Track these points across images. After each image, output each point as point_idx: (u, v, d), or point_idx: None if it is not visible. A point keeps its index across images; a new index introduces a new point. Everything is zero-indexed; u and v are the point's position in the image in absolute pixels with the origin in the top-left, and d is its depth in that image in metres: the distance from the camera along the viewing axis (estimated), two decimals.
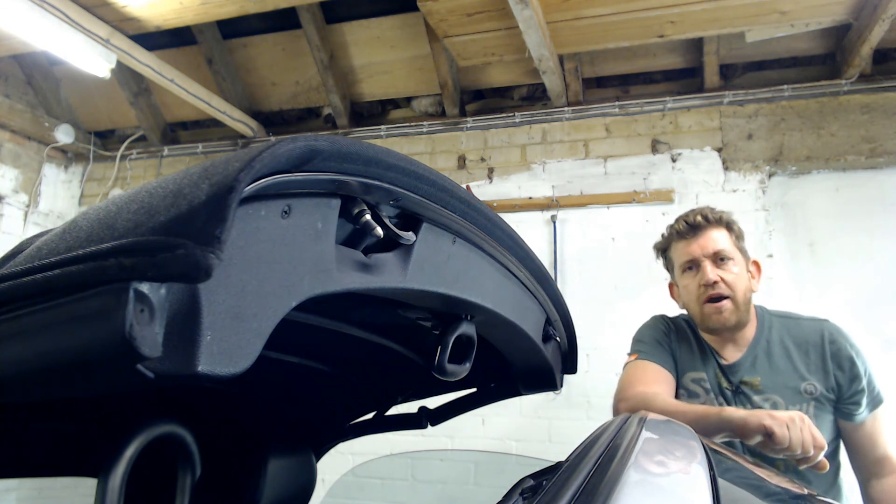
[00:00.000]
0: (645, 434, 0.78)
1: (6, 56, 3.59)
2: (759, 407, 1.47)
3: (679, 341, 1.64)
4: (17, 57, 3.87)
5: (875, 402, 1.49)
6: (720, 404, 1.50)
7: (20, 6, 2.66)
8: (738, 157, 3.22)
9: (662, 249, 1.68)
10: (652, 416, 1.01)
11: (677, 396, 1.55)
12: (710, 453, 0.74)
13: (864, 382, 1.48)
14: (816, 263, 3.05)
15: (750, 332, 1.56)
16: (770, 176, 3.18)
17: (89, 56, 3.00)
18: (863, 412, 1.47)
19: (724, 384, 1.53)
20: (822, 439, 1.14)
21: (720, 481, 0.62)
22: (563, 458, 0.81)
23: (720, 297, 1.50)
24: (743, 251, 1.58)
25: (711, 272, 1.51)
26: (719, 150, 3.26)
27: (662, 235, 1.68)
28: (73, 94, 4.25)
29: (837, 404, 1.48)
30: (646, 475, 0.62)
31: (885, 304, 2.89)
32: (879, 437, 1.49)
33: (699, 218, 1.56)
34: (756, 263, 1.63)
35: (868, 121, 3.08)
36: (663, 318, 1.73)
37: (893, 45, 3.10)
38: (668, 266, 1.68)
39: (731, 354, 1.56)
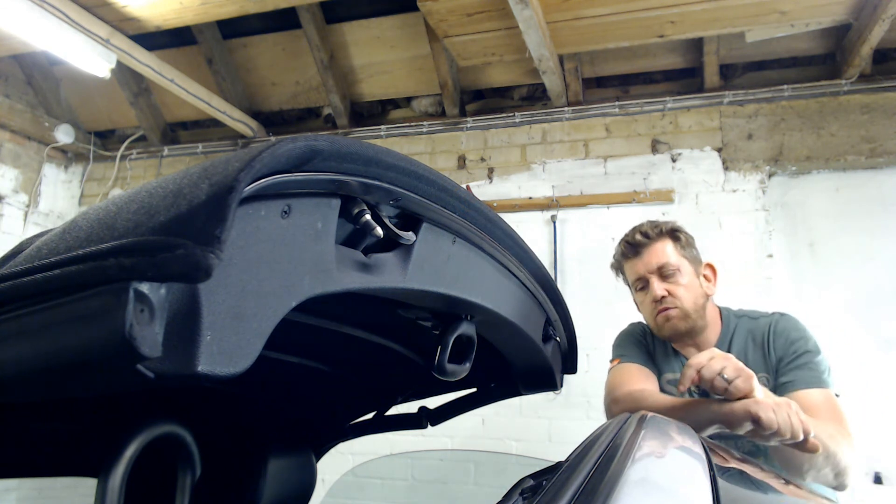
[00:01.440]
0: (645, 434, 0.78)
1: (6, 56, 3.59)
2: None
3: (654, 345, 1.67)
4: (17, 57, 3.87)
5: (817, 383, 1.39)
6: None
7: (20, 6, 2.66)
8: (738, 157, 3.22)
9: (618, 269, 1.71)
10: (651, 415, 1.01)
11: None
12: (709, 453, 0.74)
13: (804, 355, 1.43)
14: (816, 263, 3.05)
15: (713, 335, 1.58)
16: (770, 176, 3.18)
17: (89, 56, 3.00)
18: (803, 381, 1.40)
19: (692, 387, 1.53)
20: (808, 423, 1.13)
21: (720, 481, 0.63)
22: (563, 458, 0.81)
23: (666, 309, 1.53)
24: (691, 258, 1.60)
25: (658, 287, 1.54)
26: (719, 150, 3.25)
27: (614, 257, 1.71)
28: (73, 94, 4.25)
29: (778, 375, 1.45)
30: (646, 475, 0.62)
31: (885, 304, 2.89)
32: (826, 408, 1.34)
33: (639, 236, 1.59)
34: (710, 266, 1.64)
35: (868, 121, 3.08)
36: (639, 323, 1.77)
37: (893, 45, 3.10)
38: (627, 284, 1.71)
39: None
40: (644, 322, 1.77)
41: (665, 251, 1.56)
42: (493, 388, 1.22)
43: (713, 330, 1.59)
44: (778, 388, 1.42)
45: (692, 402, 1.31)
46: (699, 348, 1.58)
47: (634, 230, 1.62)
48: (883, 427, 2.73)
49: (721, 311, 1.64)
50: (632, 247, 1.60)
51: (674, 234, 1.60)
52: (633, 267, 1.61)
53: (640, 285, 1.60)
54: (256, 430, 1.20)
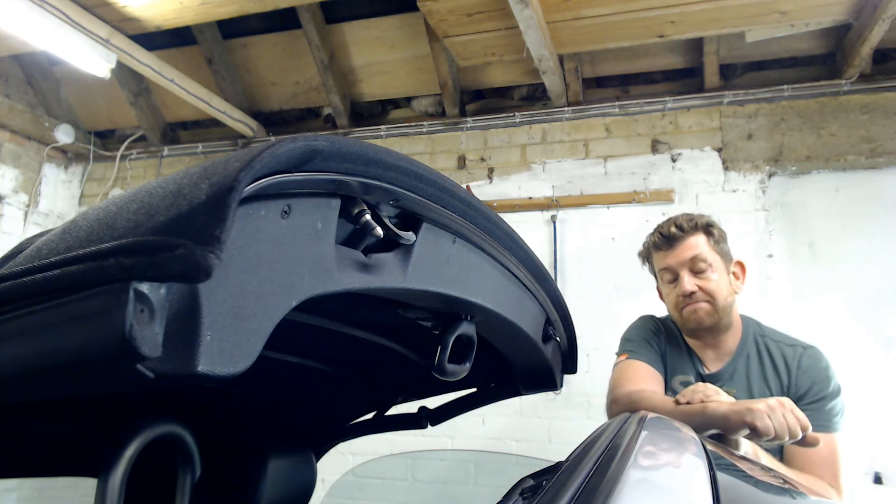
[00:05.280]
0: (645, 434, 0.78)
1: (6, 56, 3.59)
2: None
3: (668, 343, 1.65)
4: (17, 57, 3.87)
5: (825, 427, 1.42)
6: None
7: (20, 6, 2.66)
8: (738, 157, 3.22)
9: (645, 257, 1.70)
10: (652, 415, 1.01)
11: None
12: (709, 453, 0.74)
13: (822, 400, 1.46)
14: (816, 263, 3.04)
15: (732, 341, 1.58)
16: (770, 176, 3.17)
17: (89, 56, 3.00)
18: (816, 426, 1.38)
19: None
20: (806, 419, 1.14)
21: (720, 480, 0.62)
22: (563, 458, 0.81)
23: (697, 301, 1.52)
24: (723, 254, 1.58)
25: (689, 283, 1.52)
26: (719, 150, 3.25)
27: (644, 245, 1.70)
28: (73, 94, 4.25)
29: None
30: (646, 475, 0.62)
31: (885, 305, 2.88)
32: (826, 452, 1.39)
33: (673, 229, 1.57)
34: (740, 264, 1.64)
35: (868, 121, 3.08)
36: (652, 318, 1.74)
37: (893, 45, 3.10)
38: (653, 272, 1.70)
39: (712, 364, 1.58)
40: (656, 317, 1.75)
41: (698, 245, 1.55)
42: (493, 388, 1.22)
43: (733, 335, 1.58)
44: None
45: (689, 408, 1.30)
46: (718, 353, 1.58)
47: (669, 222, 1.61)
48: (883, 427, 2.73)
49: (742, 319, 1.62)
50: (665, 239, 1.58)
51: (708, 228, 1.58)
52: (663, 259, 1.59)
53: (669, 277, 1.59)
54: (256, 430, 1.20)
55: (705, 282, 1.53)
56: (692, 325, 1.54)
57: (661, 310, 1.97)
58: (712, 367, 1.58)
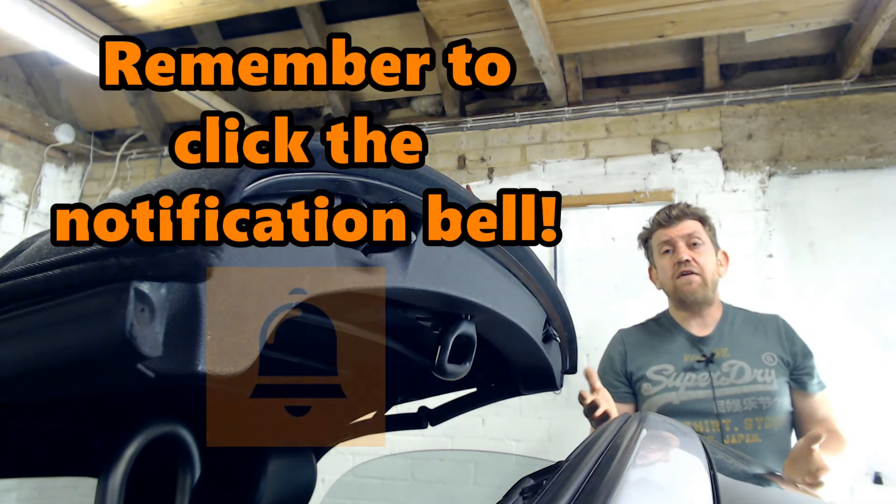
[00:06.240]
0: (645, 434, 0.78)
1: (6, 56, 3.58)
2: (727, 373, 1.70)
3: (639, 346, 1.86)
4: (17, 57, 3.87)
5: (821, 386, 1.73)
6: (685, 381, 1.73)
7: (20, 7, 2.66)
8: (738, 157, 3.22)
9: (645, 239, 1.95)
10: (652, 415, 1.01)
11: (642, 389, 1.78)
12: (710, 453, 0.74)
13: (813, 363, 1.74)
14: (816, 263, 3.04)
15: (717, 313, 1.83)
16: (770, 176, 3.17)
17: (89, 56, 3.00)
18: (814, 385, 1.72)
19: (696, 358, 1.75)
20: (823, 464, 1.30)
21: (720, 480, 0.62)
22: (563, 458, 0.81)
23: (690, 273, 1.77)
24: (714, 242, 1.86)
25: (684, 252, 1.78)
26: (719, 150, 3.25)
27: (644, 228, 1.95)
28: (73, 94, 4.25)
29: (793, 373, 1.73)
30: (646, 475, 0.62)
31: (885, 304, 2.88)
32: (826, 408, 1.72)
33: (675, 211, 1.86)
34: (725, 254, 1.90)
35: (868, 121, 3.07)
36: (617, 339, 1.94)
37: (893, 45, 3.10)
38: (648, 254, 1.94)
39: (700, 331, 1.81)
40: (625, 329, 1.95)
41: (695, 227, 1.82)
42: (493, 388, 1.22)
43: (717, 309, 1.84)
44: (796, 381, 1.72)
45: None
46: (705, 323, 1.81)
47: (674, 205, 1.89)
48: (883, 427, 2.73)
49: (721, 302, 1.87)
50: (670, 217, 1.85)
51: (704, 218, 1.87)
52: (664, 233, 1.84)
53: (667, 248, 1.83)
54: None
55: (697, 254, 1.78)
56: (685, 296, 1.78)
57: (657, 310, 2.00)
58: (701, 333, 1.80)
